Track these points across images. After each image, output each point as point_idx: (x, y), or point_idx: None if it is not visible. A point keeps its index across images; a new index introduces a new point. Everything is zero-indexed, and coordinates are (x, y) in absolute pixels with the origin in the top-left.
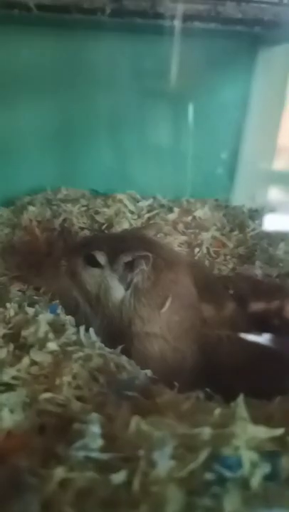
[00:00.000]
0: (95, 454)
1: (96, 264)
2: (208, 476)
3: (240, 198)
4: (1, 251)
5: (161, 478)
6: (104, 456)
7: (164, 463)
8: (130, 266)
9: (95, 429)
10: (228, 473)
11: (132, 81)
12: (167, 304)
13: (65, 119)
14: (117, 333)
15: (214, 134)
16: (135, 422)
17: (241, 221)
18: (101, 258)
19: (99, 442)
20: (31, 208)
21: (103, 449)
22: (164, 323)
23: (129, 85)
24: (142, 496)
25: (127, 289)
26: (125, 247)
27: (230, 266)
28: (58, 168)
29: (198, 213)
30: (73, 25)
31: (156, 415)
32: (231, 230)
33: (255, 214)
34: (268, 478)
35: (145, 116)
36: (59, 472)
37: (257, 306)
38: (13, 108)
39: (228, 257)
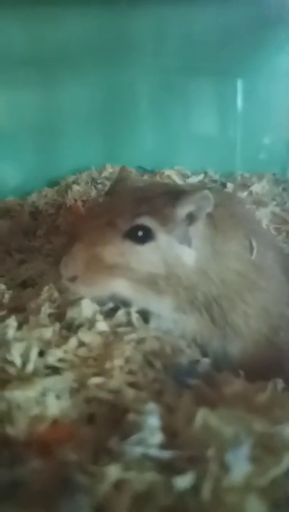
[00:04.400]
0: (154, 452)
1: (145, 237)
2: None
3: None
4: (46, 232)
5: (237, 486)
6: (166, 454)
7: (240, 466)
8: (190, 217)
9: (154, 421)
10: None
11: (177, 52)
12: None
13: (109, 95)
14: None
15: (268, 104)
16: (202, 415)
17: None
18: (151, 224)
19: (158, 437)
20: (76, 187)
21: (163, 446)
22: (260, 270)
23: (175, 57)
24: (213, 505)
25: (190, 247)
26: (174, 196)
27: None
28: (103, 146)
29: (255, 188)
30: None
31: (224, 407)
32: None
33: None
34: None
35: (193, 90)
36: (114, 471)
37: None
38: (57, 86)
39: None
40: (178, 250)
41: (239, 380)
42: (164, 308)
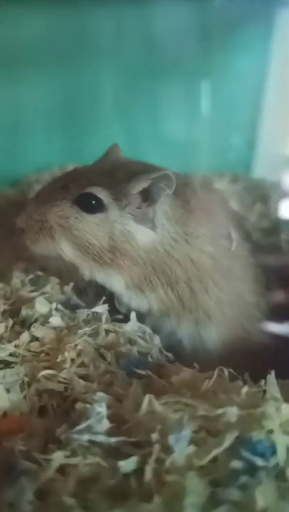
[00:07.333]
0: (100, 438)
1: (95, 207)
2: (236, 464)
3: (261, 170)
4: (7, 232)
5: (179, 466)
6: (112, 440)
7: (181, 448)
8: (147, 197)
9: (101, 409)
10: (259, 461)
11: (140, 51)
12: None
13: (70, 94)
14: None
15: (231, 104)
16: (148, 402)
17: (263, 193)
18: (102, 195)
19: (105, 424)
20: (38, 187)
21: (111, 433)
22: (236, 259)
23: (138, 56)
24: (155, 486)
25: (153, 228)
26: (131, 172)
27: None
28: (64, 145)
29: (216, 186)
30: None
31: (170, 395)
32: (253, 203)
33: (278, 186)
34: None
35: (155, 89)
36: (58, 457)
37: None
38: (18, 85)
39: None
40: (130, 228)
41: (188, 370)
42: (114, 283)
